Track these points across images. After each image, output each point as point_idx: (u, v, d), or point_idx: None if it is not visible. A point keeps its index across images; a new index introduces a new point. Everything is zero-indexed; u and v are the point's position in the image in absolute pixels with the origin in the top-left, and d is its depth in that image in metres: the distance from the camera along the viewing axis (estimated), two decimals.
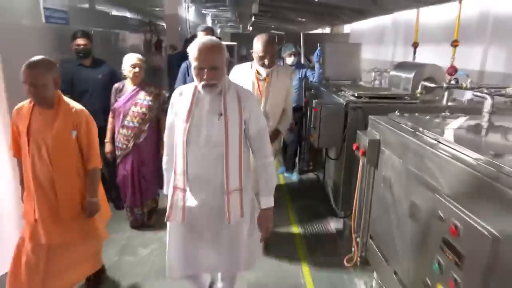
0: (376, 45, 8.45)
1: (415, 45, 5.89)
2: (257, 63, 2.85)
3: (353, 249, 2.88)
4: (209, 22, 19.54)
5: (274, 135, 3.02)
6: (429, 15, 5.88)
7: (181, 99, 2.01)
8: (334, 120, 3.25)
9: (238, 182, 1.99)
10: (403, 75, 3.77)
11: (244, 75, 2.87)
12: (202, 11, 15.97)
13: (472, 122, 2.23)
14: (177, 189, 2.02)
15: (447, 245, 1.19)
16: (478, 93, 2.50)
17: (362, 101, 3.26)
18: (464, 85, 3.06)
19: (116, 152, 3.43)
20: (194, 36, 6.98)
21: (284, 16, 10.57)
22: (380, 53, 8.09)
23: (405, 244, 2.08)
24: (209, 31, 3.72)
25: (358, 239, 2.79)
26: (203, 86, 1.88)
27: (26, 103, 2.34)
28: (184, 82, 3.69)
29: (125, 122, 3.31)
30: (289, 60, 4.76)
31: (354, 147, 2.81)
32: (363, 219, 2.72)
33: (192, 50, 1.87)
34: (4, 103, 2.93)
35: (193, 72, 1.90)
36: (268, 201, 2.06)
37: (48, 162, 2.29)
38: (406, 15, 6.59)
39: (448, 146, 1.81)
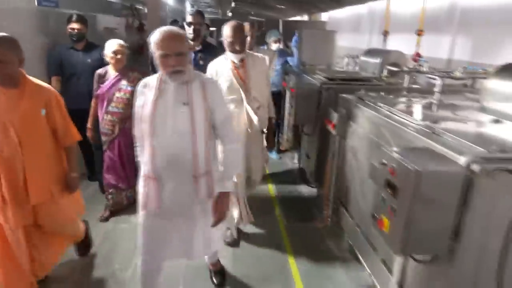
0: (352, 33, 8.88)
1: (385, 33, 6.33)
2: (228, 50, 2.84)
3: (324, 212, 3.30)
4: (188, 7, 19.46)
5: (270, 124, 3.14)
6: (400, 5, 6.31)
7: (145, 90, 2.02)
8: (309, 99, 3.62)
9: (205, 167, 2.02)
10: (371, 60, 4.17)
11: (221, 67, 2.86)
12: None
13: (422, 100, 2.65)
14: (148, 179, 2.03)
15: (388, 183, 1.57)
16: (431, 76, 2.93)
17: (334, 83, 3.63)
18: (422, 69, 3.49)
19: (102, 138, 3.44)
20: (175, 21, 7.08)
21: (264, 2, 10.82)
22: (355, 40, 8.51)
23: (365, 201, 2.49)
24: (199, 14, 3.51)
25: (329, 204, 3.21)
26: (171, 73, 1.90)
27: None
28: None
29: (109, 108, 3.32)
30: (274, 46, 5.09)
31: (326, 122, 3.20)
32: (333, 185, 3.13)
33: (155, 39, 1.87)
34: None
35: (157, 61, 1.90)
36: (226, 186, 2.10)
37: (17, 143, 2.19)
38: (380, 5, 7.01)
39: (398, 116, 2.21)
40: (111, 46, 3.29)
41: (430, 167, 1.42)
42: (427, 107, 2.47)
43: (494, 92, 2.25)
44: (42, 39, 3.82)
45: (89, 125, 3.49)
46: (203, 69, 2.90)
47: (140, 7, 9.21)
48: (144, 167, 2.05)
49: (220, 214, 2.08)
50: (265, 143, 3.28)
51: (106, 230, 3.37)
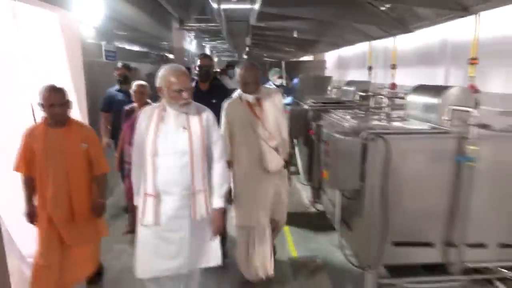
0: (344, 68, 10.28)
1: (370, 68, 7.63)
2: (243, 91, 2.80)
3: (311, 194, 4.47)
4: (207, 52, 21.54)
5: (287, 166, 2.99)
6: (378, 45, 7.64)
7: (148, 118, 2.21)
8: (300, 118, 4.85)
9: (202, 184, 2.21)
10: (349, 88, 5.43)
11: (237, 108, 2.80)
12: (202, 44, 17.93)
13: (374, 113, 3.86)
14: (148, 196, 2.18)
15: (325, 151, 2.76)
16: (380, 96, 4.15)
17: (318, 106, 4.87)
18: (383, 93, 4.71)
19: (126, 166, 3.58)
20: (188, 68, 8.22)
21: (272, 46, 12.41)
22: (345, 74, 9.89)
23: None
24: (207, 57, 3.65)
25: (314, 191, 4.38)
26: (183, 104, 2.15)
27: (36, 125, 2.64)
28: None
29: (132, 140, 3.62)
30: (278, 81, 6.38)
31: (309, 132, 4.42)
32: (315, 176, 4.30)
33: (169, 76, 2.12)
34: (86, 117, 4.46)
35: (169, 94, 2.14)
36: (219, 202, 2.31)
37: (65, 172, 2.56)
38: (364, 46, 8.37)
39: (344, 120, 3.43)
40: (133, 86, 3.66)
41: (343, 137, 2.63)
42: (365, 115, 3.68)
43: (408, 102, 3.46)
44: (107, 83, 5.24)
45: (116, 155, 3.85)
46: (214, 107, 3.03)
47: (170, 55, 10.92)
48: (144, 185, 2.22)
49: (217, 228, 2.33)
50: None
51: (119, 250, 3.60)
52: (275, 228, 3.01)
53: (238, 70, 2.83)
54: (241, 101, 2.80)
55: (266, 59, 18.99)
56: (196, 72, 3.44)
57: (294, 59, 15.79)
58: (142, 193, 2.23)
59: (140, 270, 2.29)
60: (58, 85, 2.54)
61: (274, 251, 3.17)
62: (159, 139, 2.15)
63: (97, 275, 3.11)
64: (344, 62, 10.65)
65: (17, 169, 2.60)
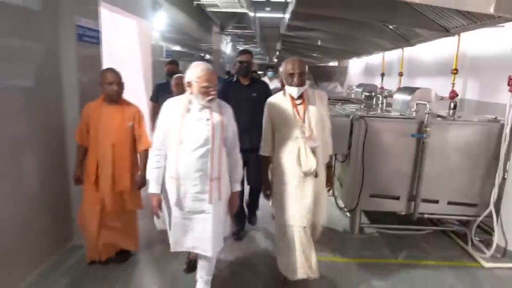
0: (367, 74, 11.29)
1: (382, 75, 8.65)
2: (287, 84, 2.59)
3: None
4: None
5: (329, 161, 2.81)
6: (391, 56, 8.64)
7: (173, 109, 2.35)
8: None
9: (217, 172, 2.36)
10: (358, 90, 6.53)
11: (281, 105, 2.63)
12: (237, 46, 19.26)
13: (370, 107, 4.95)
14: (171, 178, 2.36)
15: None
16: (378, 95, 5.23)
17: (329, 102, 6.00)
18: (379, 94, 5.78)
19: None
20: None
21: (300, 52, 13.54)
22: (370, 80, 10.92)
23: None
24: (247, 53, 3.63)
25: None
26: (210, 100, 2.28)
27: (94, 102, 2.89)
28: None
29: None
30: (307, 83, 7.50)
31: None
32: None
33: (199, 73, 2.25)
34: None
35: (197, 89, 2.26)
36: (237, 187, 2.55)
37: (112, 144, 2.81)
38: (379, 56, 9.37)
39: (345, 109, 4.55)
40: (173, 79, 3.72)
41: (338, 118, 3.77)
42: (363, 108, 4.78)
43: (393, 100, 4.55)
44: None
45: None
46: (256, 101, 3.29)
47: (208, 56, 12.27)
48: (168, 170, 2.39)
49: (234, 208, 2.60)
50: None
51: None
52: (314, 230, 2.79)
53: (284, 63, 2.63)
54: (285, 96, 2.64)
55: None
56: (236, 67, 3.56)
57: (322, 64, 16.85)
58: (167, 176, 2.40)
59: (173, 245, 2.50)
60: (113, 68, 2.89)
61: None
62: (184, 129, 2.29)
63: (124, 255, 3.20)
64: (367, 69, 11.70)
65: (76, 138, 2.93)
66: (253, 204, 4.01)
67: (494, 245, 3.50)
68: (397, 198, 3.86)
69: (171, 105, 2.39)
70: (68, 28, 3.17)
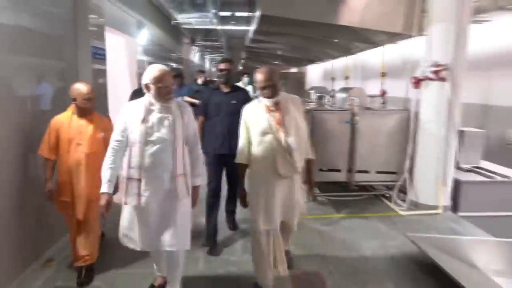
0: (326, 79, 12.71)
1: (332, 79, 10.01)
2: (262, 96, 2.64)
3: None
4: (207, 63, 23.91)
5: (309, 165, 2.84)
6: (341, 62, 10.05)
7: (133, 111, 2.40)
8: None
9: (182, 169, 2.44)
10: (311, 92, 7.76)
11: (256, 112, 2.66)
12: (204, 56, 20.27)
13: (318, 104, 6.18)
14: (131, 180, 2.37)
15: None
16: (321, 95, 6.48)
17: None
18: (327, 94, 7.05)
19: None
20: (201, 71, 10.05)
21: (263, 60, 14.79)
22: (324, 83, 12.32)
23: None
24: (227, 61, 3.64)
25: None
26: (168, 99, 2.37)
27: (63, 115, 2.88)
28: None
29: None
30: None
31: None
32: None
33: (155, 75, 2.31)
34: None
35: (155, 90, 2.32)
36: (198, 181, 2.60)
37: (84, 155, 2.83)
38: (341, 60, 10.77)
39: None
40: None
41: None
42: (313, 105, 5.98)
43: (337, 97, 5.78)
44: None
45: None
46: (235, 107, 3.21)
47: (180, 66, 13.21)
48: (129, 170, 2.38)
49: (195, 201, 2.63)
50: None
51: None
52: (286, 231, 2.87)
53: (256, 75, 2.65)
54: (259, 103, 2.67)
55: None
56: (217, 75, 3.66)
57: (282, 71, 18.26)
58: (125, 177, 2.41)
59: (141, 245, 2.49)
60: (87, 83, 2.96)
61: (289, 256, 3.13)
62: (146, 129, 2.35)
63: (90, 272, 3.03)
64: (324, 74, 13.15)
65: (42, 152, 2.87)
66: (232, 208, 4.01)
67: (407, 200, 4.78)
68: (339, 170, 5.07)
69: (131, 108, 2.45)
70: (85, 48, 4.10)
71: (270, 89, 2.58)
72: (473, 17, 4.85)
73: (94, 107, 2.97)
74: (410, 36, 5.07)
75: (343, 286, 3.00)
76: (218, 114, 3.36)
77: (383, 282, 3.07)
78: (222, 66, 3.55)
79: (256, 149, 2.65)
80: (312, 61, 12.05)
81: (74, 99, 2.86)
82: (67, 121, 2.88)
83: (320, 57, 10.03)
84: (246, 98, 3.48)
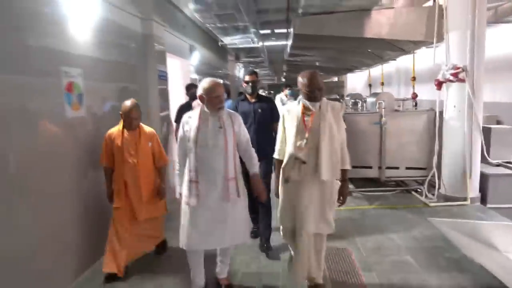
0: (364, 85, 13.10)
1: (369, 85, 10.42)
2: (304, 98, 2.64)
3: None
4: None
5: (343, 175, 2.74)
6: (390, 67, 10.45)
7: (190, 120, 2.66)
8: None
9: (233, 173, 2.63)
10: (347, 98, 8.28)
11: (293, 113, 2.69)
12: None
13: (354, 109, 6.72)
14: (192, 182, 2.60)
15: None
16: (355, 100, 7.00)
17: None
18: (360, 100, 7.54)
19: None
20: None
21: (302, 71, 15.44)
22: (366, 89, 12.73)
23: None
24: (253, 73, 3.81)
25: None
26: (219, 108, 2.60)
27: (115, 129, 3.21)
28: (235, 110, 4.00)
29: None
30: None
31: None
32: None
33: (208, 87, 2.58)
34: None
35: (208, 100, 2.58)
36: (255, 170, 2.78)
37: (136, 163, 3.14)
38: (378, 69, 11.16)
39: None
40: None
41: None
42: (350, 110, 6.53)
43: (368, 102, 6.29)
44: None
45: None
46: (261, 115, 3.63)
47: (226, 81, 14.25)
48: (189, 174, 2.61)
49: (259, 191, 2.79)
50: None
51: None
52: (314, 244, 2.78)
53: (300, 77, 2.64)
54: (298, 104, 2.68)
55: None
56: (244, 86, 3.77)
57: (326, 80, 18.80)
58: (187, 180, 2.63)
59: (186, 243, 2.66)
60: (135, 101, 3.23)
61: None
62: (201, 137, 2.57)
63: (162, 248, 3.65)
64: (364, 81, 13.56)
65: (101, 162, 3.25)
66: (266, 221, 3.71)
67: (436, 193, 5.16)
68: (370, 167, 5.57)
69: (188, 117, 2.71)
70: (153, 72, 5.07)
71: (314, 92, 2.58)
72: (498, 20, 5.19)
73: (139, 121, 3.24)
74: (432, 43, 5.50)
75: (366, 258, 3.54)
76: (246, 122, 3.37)
77: (402, 256, 3.57)
78: (248, 78, 3.72)
79: (287, 148, 2.70)
80: (350, 70, 12.50)
81: (121, 115, 3.21)
82: (119, 134, 3.20)
83: (356, 66, 10.49)
84: (271, 107, 3.76)
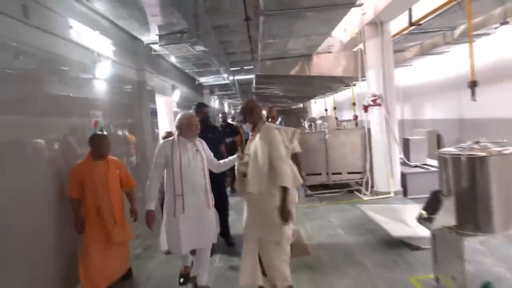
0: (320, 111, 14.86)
1: (326, 110, 12.11)
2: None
3: None
4: (226, 106, 26.68)
5: (283, 194, 2.83)
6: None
7: (170, 146, 3.15)
8: None
9: (209, 186, 3.23)
10: (303, 121, 9.86)
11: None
12: (223, 102, 22.98)
13: (307, 129, 8.28)
14: (178, 196, 3.08)
15: None
16: (310, 123, 8.58)
17: None
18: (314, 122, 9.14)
19: None
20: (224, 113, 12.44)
21: (271, 100, 17.17)
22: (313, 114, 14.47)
23: None
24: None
25: None
26: (195, 136, 3.21)
27: (82, 161, 3.42)
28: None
29: None
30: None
31: None
32: None
33: (185, 119, 3.17)
34: None
35: (188, 129, 3.14)
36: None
37: (108, 190, 3.40)
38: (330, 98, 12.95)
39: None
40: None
41: None
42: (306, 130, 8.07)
43: (317, 123, 7.86)
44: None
45: None
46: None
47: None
48: (172, 189, 3.10)
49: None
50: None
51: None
52: (261, 253, 2.99)
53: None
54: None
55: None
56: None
57: (292, 107, 20.65)
58: (171, 195, 3.11)
59: (175, 248, 3.19)
60: (102, 133, 3.74)
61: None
62: (183, 158, 3.11)
63: (129, 273, 3.79)
64: (321, 107, 15.37)
65: (70, 194, 3.32)
66: (224, 225, 4.65)
67: (369, 189, 6.67)
68: (320, 174, 7.04)
69: (166, 144, 3.21)
70: (146, 109, 6.41)
71: (245, 119, 3.05)
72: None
73: (109, 153, 3.55)
74: (358, 78, 7.19)
75: (310, 232, 4.91)
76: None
77: (336, 230, 4.96)
78: (221, 116, 5.37)
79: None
80: (311, 97, 14.28)
81: (94, 147, 3.45)
82: (88, 165, 3.40)
83: (314, 95, 12.22)
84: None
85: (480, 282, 2.58)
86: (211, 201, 3.27)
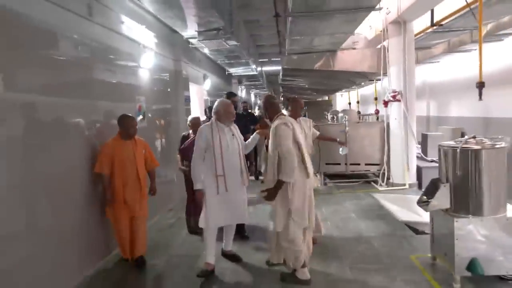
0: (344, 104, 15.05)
1: (349, 104, 12.35)
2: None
3: None
4: (252, 97, 27.14)
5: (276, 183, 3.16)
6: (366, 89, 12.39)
7: (210, 131, 3.38)
8: None
9: (244, 166, 3.54)
10: (327, 113, 10.18)
11: None
12: (250, 91, 23.45)
13: (330, 121, 8.62)
14: (219, 176, 3.36)
15: None
16: (332, 116, 8.91)
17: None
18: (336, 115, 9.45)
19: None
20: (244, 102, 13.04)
21: (296, 92, 17.48)
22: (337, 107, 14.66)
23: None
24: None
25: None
26: (231, 121, 3.49)
27: (112, 140, 3.65)
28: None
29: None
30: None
31: None
32: None
33: (223, 106, 3.44)
34: None
35: (224, 115, 3.41)
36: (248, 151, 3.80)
37: (136, 167, 3.67)
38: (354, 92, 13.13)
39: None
40: (189, 119, 4.92)
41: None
42: (328, 123, 8.42)
43: (339, 116, 8.19)
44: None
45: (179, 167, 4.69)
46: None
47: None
48: (213, 170, 3.36)
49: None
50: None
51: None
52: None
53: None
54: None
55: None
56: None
57: (318, 99, 20.83)
58: (212, 175, 3.37)
59: (209, 222, 3.43)
60: (130, 114, 3.85)
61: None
62: (222, 142, 3.39)
63: (142, 261, 3.80)
64: (346, 100, 15.54)
65: (98, 170, 3.55)
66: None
67: (385, 180, 6.99)
68: (339, 164, 7.41)
69: (205, 129, 3.44)
70: (181, 97, 7.00)
71: (267, 113, 3.40)
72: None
73: (136, 133, 3.78)
74: (380, 74, 7.44)
75: (325, 215, 5.34)
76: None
77: (349, 214, 5.38)
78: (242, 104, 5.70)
79: None
80: (335, 90, 14.49)
81: (123, 127, 3.68)
82: (117, 144, 3.65)
83: (339, 88, 12.45)
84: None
85: (469, 259, 2.96)
86: (247, 180, 3.60)
